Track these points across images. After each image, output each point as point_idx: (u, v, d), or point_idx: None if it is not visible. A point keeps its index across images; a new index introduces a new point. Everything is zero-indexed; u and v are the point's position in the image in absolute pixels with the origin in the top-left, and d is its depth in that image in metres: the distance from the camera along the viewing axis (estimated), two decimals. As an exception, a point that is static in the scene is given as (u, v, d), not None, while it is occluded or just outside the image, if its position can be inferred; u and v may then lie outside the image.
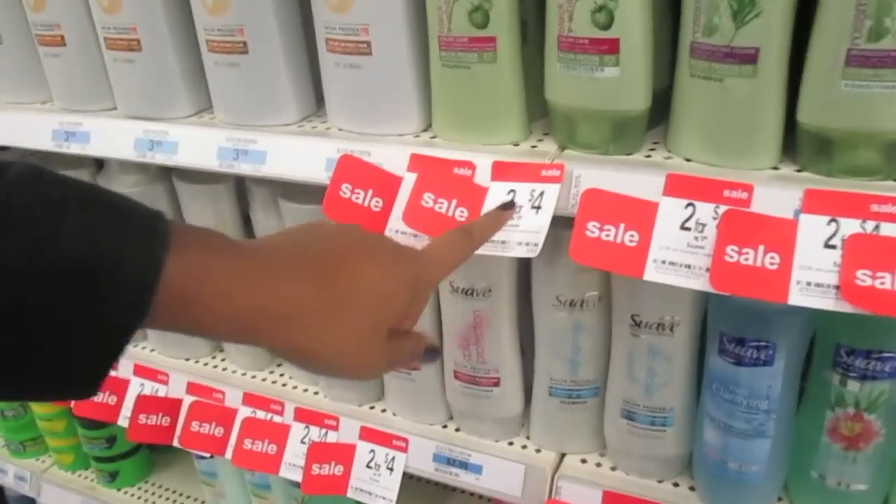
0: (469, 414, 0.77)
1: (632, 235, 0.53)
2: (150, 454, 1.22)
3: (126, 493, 1.18)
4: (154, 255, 0.34)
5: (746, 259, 0.50)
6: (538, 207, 0.56)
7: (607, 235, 0.54)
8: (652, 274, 0.52)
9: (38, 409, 1.18)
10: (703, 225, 0.52)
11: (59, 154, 0.86)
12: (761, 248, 0.49)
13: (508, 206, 0.57)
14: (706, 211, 0.52)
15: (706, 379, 0.64)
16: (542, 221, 0.55)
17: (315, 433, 0.83)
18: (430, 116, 0.65)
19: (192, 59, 0.73)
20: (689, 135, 0.56)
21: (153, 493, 1.19)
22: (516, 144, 0.62)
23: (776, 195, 0.51)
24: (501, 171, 0.59)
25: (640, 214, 0.54)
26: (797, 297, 0.48)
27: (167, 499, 1.18)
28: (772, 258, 0.49)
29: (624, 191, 0.54)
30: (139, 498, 1.18)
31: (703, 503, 0.68)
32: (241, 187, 0.84)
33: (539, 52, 0.58)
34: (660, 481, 0.71)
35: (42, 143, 0.80)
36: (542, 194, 0.56)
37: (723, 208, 0.51)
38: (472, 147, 0.62)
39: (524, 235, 0.56)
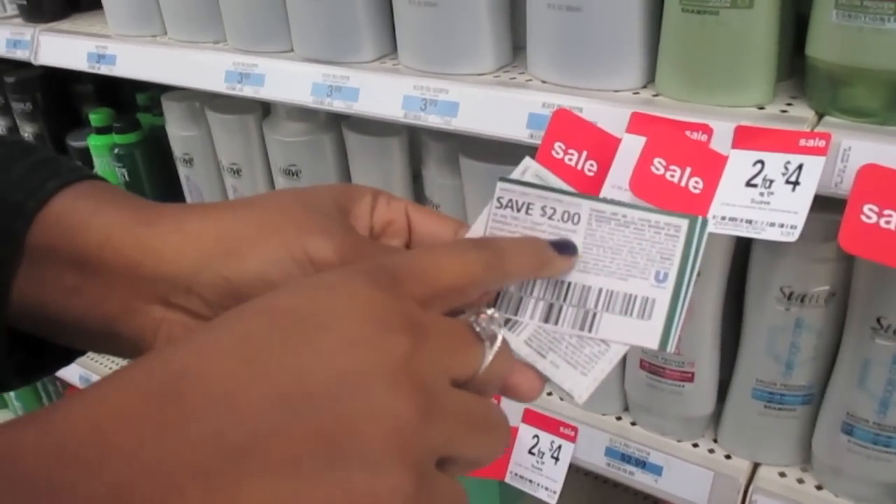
0: (650, 408, 0.69)
1: (919, 224, 0.44)
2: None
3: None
4: (46, 185, 0.33)
5: None
6: (795, 183, 0.47)
7: (887, 223, 0.44)
8: (944, 273, 0.43)
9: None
10: None
11: (226, 97, 0.83)
12: None
13: (566, 250, 0.36)
14: None
15: (965, 400, 0.54)
16: (802, 200, 0.46)
17: (473, 410, 0.77)
18: (652, 71, 0.57)
19: (380, -3, 0.68)
20: None
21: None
22: (761, 108, 0.53)
23: None
24: (746, 138, 0.50)
25: (933, 200, 0.44)
26: None
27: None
28: None
29: (908, 170, 0.45)
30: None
31: (932, 541, 0.58)
32: (412, 142, 0.79)
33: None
34: (877, 509, 0.62)
35: (214, 85, 0.77)
36: (800, 168, 0.47)
37: None
38: (705, 109, 0.53)
39: (777, 215, 0.47)
